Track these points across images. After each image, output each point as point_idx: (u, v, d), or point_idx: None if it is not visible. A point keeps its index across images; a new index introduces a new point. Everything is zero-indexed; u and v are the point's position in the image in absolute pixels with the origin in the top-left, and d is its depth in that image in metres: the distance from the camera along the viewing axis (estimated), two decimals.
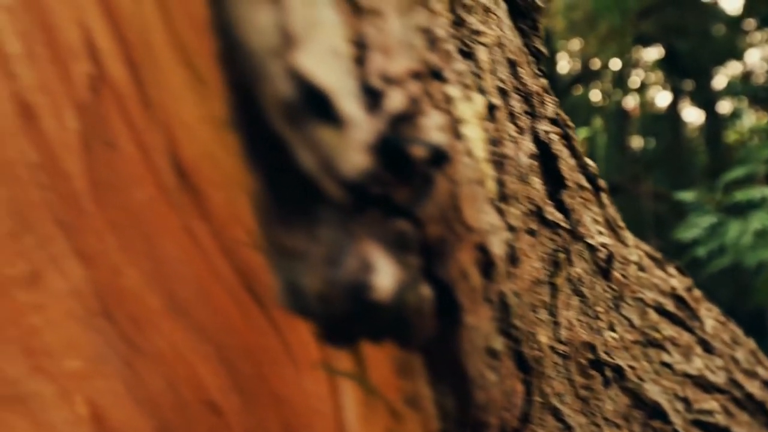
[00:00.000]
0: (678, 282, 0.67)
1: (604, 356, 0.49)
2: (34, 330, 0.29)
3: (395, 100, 0.22)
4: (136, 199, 0.29)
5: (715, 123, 5.25)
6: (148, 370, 0.30)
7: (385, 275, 0.21)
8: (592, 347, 0.46)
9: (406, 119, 0.23)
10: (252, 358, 0.31)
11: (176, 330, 0.31)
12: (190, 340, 0.31)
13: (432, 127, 0.24)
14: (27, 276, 0.28)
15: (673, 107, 5.65)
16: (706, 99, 5.28)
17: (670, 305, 0.63)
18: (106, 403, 0.31)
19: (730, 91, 4.68)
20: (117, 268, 0.29)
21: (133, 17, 0.26)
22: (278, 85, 0.19)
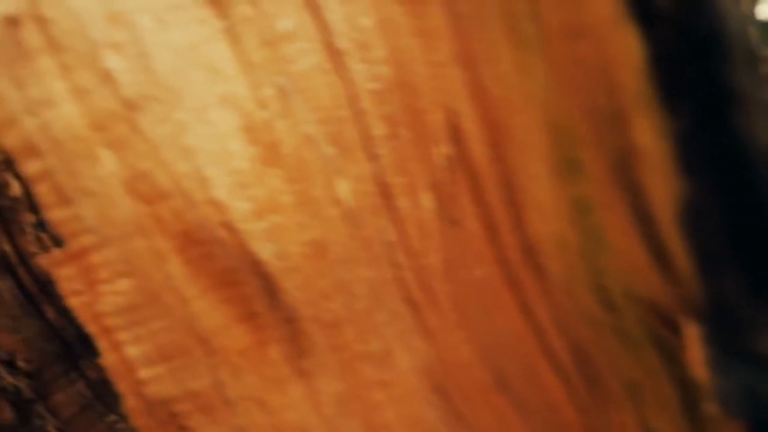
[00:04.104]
0: None
1: None
2: (378, 406, 0.28)
3: None
4: (475, 275, 0.29)
5: None
6: None
7: None
8: None
9: None
10: None
11: (502, 405, 0.30)
12: (515, 416, 0.30)
13: None
14: (378, 353, 0.28)
15: None
16: None
17: None
18: None
19: None
20: (454, 344, 0.29)
21: (503, 101, 0.26)
22: None
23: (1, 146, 0.28)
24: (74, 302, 0.27)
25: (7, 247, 0.29)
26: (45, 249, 0.29)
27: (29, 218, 0.29)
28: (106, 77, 0.25)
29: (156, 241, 0.26)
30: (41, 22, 0.24)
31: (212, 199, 0.26)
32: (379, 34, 0.26)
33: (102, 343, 0.27)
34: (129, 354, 0.27)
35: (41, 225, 0.29)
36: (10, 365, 0.31)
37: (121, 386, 0.28)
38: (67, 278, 0.26)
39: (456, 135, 0.26)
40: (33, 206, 0.29)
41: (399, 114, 0.26)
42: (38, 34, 0.24)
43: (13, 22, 0.24)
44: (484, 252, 0.28)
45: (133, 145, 0.25)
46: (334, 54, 0.26)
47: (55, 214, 0.26)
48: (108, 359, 0.27)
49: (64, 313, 0.29)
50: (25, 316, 0.30)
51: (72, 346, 0.29)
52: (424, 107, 0.26)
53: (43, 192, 0.25)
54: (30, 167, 0.25)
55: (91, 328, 0.27)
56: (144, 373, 0.27)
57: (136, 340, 0.27)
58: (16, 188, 0.29)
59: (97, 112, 0.25)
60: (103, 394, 0.30)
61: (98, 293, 0.27)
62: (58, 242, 0.29)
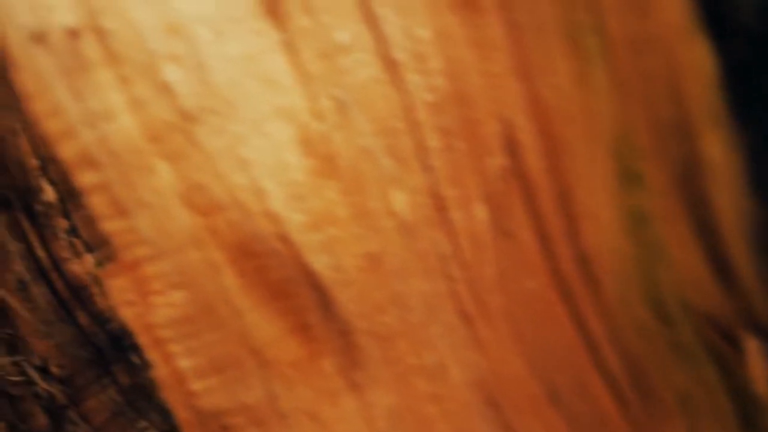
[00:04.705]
0: None
1: None
2: (431, 419, 0.28)
3: None
4: (528, 287, 0.29)
5: None
6: None
7: None
8: None
9: None
10: None
11: (554, 417, 0.30)
12: (566, 429, 0.30)
13: None
14: (431, 366, 0.28)
15: None
16: None
17: None
18: None
19: None
20: (507, 357, 0.29)
21: (559, 112, 0.26)
22: None
23: (39, 153, 0.28)
24: (127, 313, 0.27)
25: (42, 253, 0.30)
26: (77, 255, 0.29)
27: (62, 224, 0.30)
28: (164, 89, 0.25)
29: (210, 252, 0.26)
30: (100, 33, 0.24)
31: (268, 210, 0.26)
32: (436, 45, 0.26)
33: (153, 355, 0.27)
34: (181, 366, 0.27)
35: (74, 230, 0.29)
36: (44, 371, 0.31)
37: (172, 398, 0.27)
38: (120, 289, 0.26)
39: (511, 146, 0.26)
40: (66, 212, 0.29)
41: (454, 125, 0.26)
42: (97, 45, 0.24)
43: (73, 34, 0.24)
44: (538, 264, 0.28)
45: (189, 157, 0.25)
46: (390, 65, 0.26)
47: (109, 225, 0.26)
48: (159, 371, 0.27)
49: (96, 318, 0.29)
50: (59, 321, 0.30)
51: (104, 352, 0.29)
52: (480, 118, 0.26)
53: (98, 203, 0.25)
54: (86, 178, 0.25)
55: (143, 340, 0.27)
56: (196, 385, 0.27)
57: (188, 352, 0.27)
58: (50, 193, 0.29)
59: (154, 124, 0.25)
60: (135, 400, 0.30)
61: (151, 305, 0.27)
62: (90, 248, 0.29)
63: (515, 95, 0.26)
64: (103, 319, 0.29)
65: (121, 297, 0.26)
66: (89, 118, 0.24)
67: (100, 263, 0.27)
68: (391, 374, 0.27)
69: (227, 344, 0.26)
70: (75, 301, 0.29)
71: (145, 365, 0.28)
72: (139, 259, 0.26)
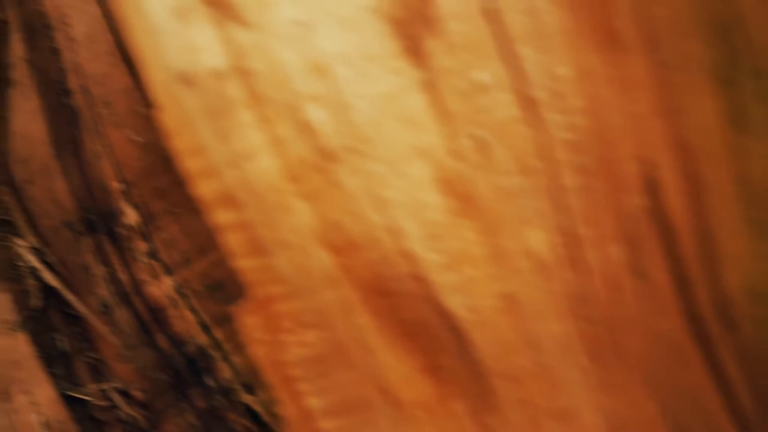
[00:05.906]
0: None
1: None
2: None
3: None
4: (660, 329, 0.28)
5: None
6: None
7: None
8: None
9: None
10: None
11: None
12: None
13: None
14: (563, 409, 0.27)
15: None
16: None
17: None
18: None
19: None
20: (638, 400, 0.28)
21: (705, 153, 0.26)
22: None
23: (121, 176, 0.28)
24: (257, 351, 0.27)
25: (124, 276, 0.30)
26: (156, 277, 0.30)
27: (142, 246, 0.30)
28: (305, 128, 0.25)
29: (345, 292, 0.26)
30: (245, 74, 0.24)
31: (404, 250, 0.26)
32: (576, 83, 0.25)
33: (282, 393, 0.27)
34: (310, 405, 0.27)
35: (153, 253, 0.30)
36: (126, 395, 0.31)
37: None
38: (251, 326, 0.27)
39: (651, 186, 0.26)
40: (146, 234, 0.30)
41: (593, 164, 0.26)
42: (241, 86, 0.24)
43: (219, 75, 0.24)
44: (672, 306, 0.27)
45: (328, 196, 0.25)
46: (529, 104, 0.25)
47: (244, 263, 0.26)
48: (288, 409, 0.27)
49: (174, 340, 0.30)
50: (141, 345, 0.31)
51: (182, 375, 0.29)
52: (619, 158, 0.26)
53: (236, 241, 0.26)
54: (224, 217, 0.25)
55: (272, 378, 0.27)
56: (325, 424, 0.27)
57: (318, 391, 0.27)
58: (131, 216, 0.29)
59: (294, 164, 0.25)
60: (211, 425, 0.30)
61: (283, 343, 0.27)
62: (169, 270, 0.29)
63: (657, 135, 0.25)
64: (181, 342, 0.29)
65: (252, 335, 0.27)
66: (231, 158, 0.25)
67: (230, 300, 0.27)
68: (523, 417, 0.27)
69: (358, 384, 0.26)
70: (154, 323, 0.29)
71: (221, 389, 0.28)
72: (272, 297, 0.26)
